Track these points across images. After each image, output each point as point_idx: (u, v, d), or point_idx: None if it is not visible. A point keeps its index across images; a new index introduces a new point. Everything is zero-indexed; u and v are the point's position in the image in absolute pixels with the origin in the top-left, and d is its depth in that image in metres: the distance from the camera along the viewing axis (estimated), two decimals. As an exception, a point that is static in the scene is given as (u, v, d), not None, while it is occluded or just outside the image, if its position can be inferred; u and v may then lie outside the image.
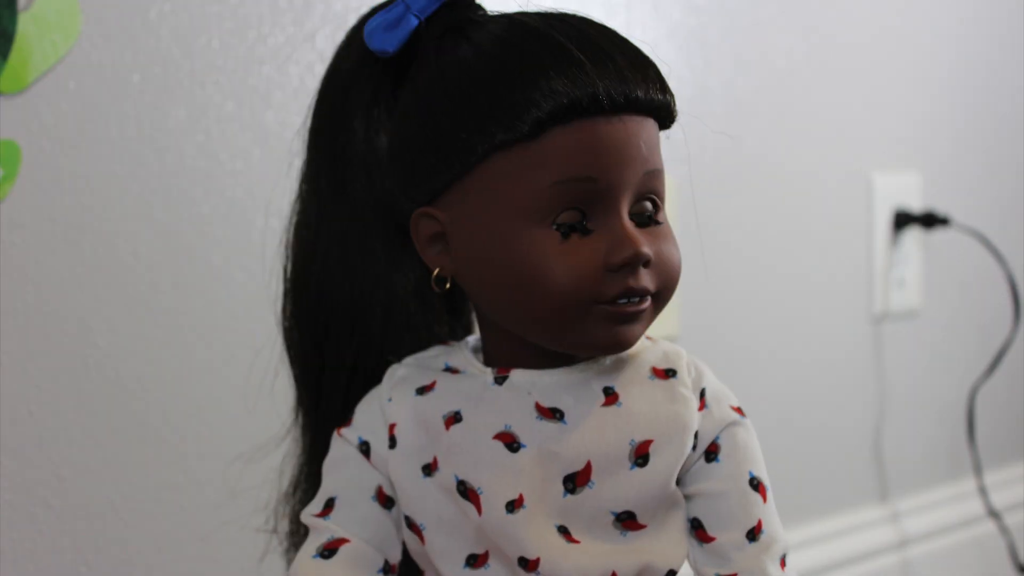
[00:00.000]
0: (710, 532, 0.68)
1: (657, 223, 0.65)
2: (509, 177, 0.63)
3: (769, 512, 0.69)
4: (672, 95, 0.66)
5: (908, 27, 1.48)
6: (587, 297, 0.63)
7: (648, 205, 0.65)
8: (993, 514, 1.50)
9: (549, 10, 0.67)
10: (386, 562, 0.70)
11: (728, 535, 0.67)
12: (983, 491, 1.50)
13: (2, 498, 0.85)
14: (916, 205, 1.48)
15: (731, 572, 0.67)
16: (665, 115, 0.66)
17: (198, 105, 0.92)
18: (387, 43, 0.68)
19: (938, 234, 1.50)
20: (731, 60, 1.28)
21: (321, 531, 0.69)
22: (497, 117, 0.62)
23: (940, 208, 1.48)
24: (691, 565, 0.69)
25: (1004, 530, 1.50)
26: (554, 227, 0.63)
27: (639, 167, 0.64)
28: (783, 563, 0.68)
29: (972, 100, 1.56)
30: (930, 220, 1.47)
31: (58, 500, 0.88)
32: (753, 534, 0.67)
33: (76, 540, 0.88)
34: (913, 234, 1.48)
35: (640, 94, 0.63)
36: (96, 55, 0.88)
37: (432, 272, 0.68)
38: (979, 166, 1.57)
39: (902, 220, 1.46)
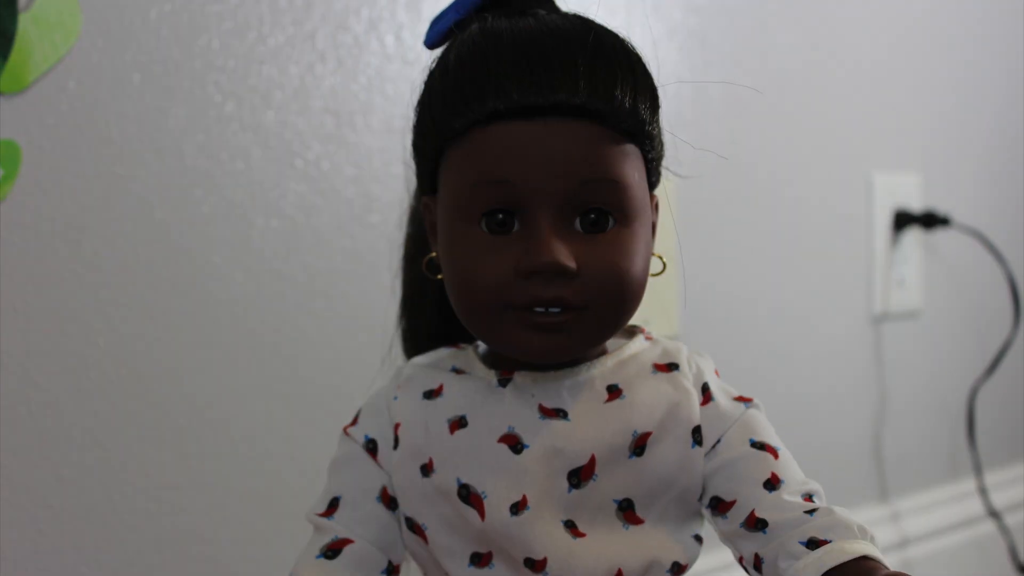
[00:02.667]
0: (727, 498, 0.66)
1: (603, 232, 0.63)
2: (448, 175, 0.65)
3: (784, 466, 0.66)
4: (638, 103, 0.63)
5: (908, 27, 1.48)
6: (500, 301, 0.63)
7: (592, 215, 0.63)
8: (993, 514, 1.50)
9: (532, 11, 0.66)
10: (389, 563, 0.70)
11: (744, 492, 0.65)
12: (983, 491, 1.50)
13: (2, 498, 0.85)
14: (916, 205, 1.48)
15: (747, 512, 0.65)
16: (615, 121, 0.62)
17: (198, 105, 0.92)
18: (428, 37, 0.70)
19: (938, 234, 1.50)
20: (731, 60, 1.28)
21: (325, 531, 0.69)
22: (439, 118, 0.64)
23: (940, 208, 1.49)
24: (721, 539, 0.67)
25: (1004, 530, 1.50)
26: (483, 227, 0.63)
27: (567, 174, 0.62)
28: (809, 497, 0.65)
29: (972, 100, 1.56)
30: (930, 220, 1.47)
31: (58, 500, 0.88)
32: (771, 484, 0.65)
33: (76, 540, 0.88)
34: (913, 234, 1.48)
35: (567, 98, 0.61)
36: (96, 55, 0.88)
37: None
38: (979, 166, 1.57)
39: (902, 220, 1.46)
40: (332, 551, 0.68)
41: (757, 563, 0.64)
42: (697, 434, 0.66)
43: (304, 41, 0.97)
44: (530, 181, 0.62)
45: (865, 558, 0.59)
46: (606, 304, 0.63)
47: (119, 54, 0.89)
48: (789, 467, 0.67)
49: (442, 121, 0.64)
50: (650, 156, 0.66)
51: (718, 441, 0.67)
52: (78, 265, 0.88)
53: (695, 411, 0.67)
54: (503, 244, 0.63)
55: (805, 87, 1.36)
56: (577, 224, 0.63)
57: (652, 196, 0.69)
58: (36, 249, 0.86)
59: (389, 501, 0.70)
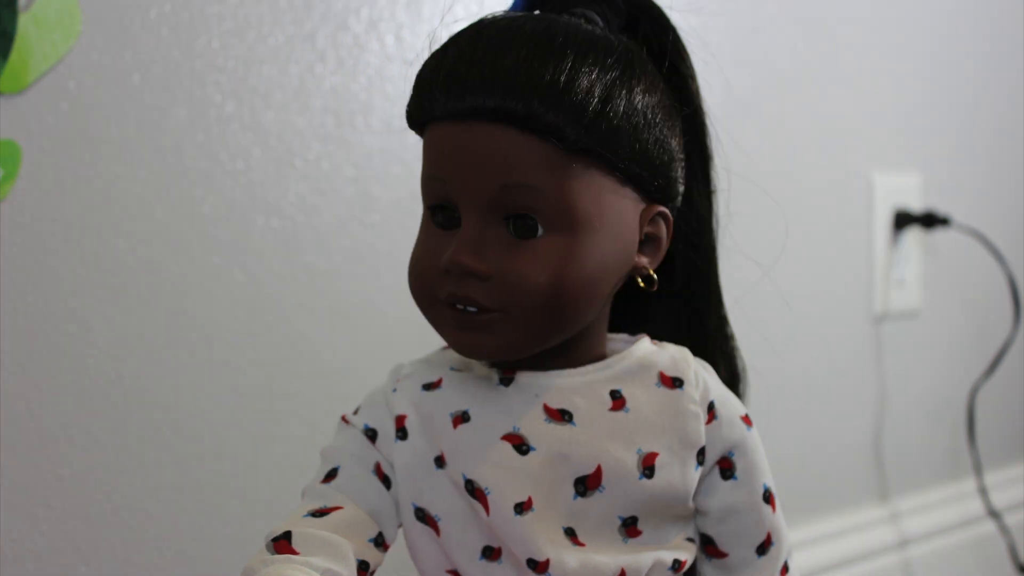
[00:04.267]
0: (722, 548, 0.70)
1: (532, 238, 0.63)
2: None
3: (777, 520, 0.70)
4: (569, 112, 0.61)
5: (908, 27, 1.48)
6: (429, 292, 0.65)
7: (518, 220, 0.63)
8: (993, 514, 1.50)
9: (502, 15, 0.67)
10: (380, 535, 0.68)
11: (739, 552, 0.70)
12: (983, 491, 1.50)
13: (2, 498, 0.85)
14: (916, 205, 1.48)
15: None
16: (536, 127, 0.61)
17: (198, 105, 0.92)
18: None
19: (938, 234, 1.50)
20: (731, 60, 1.28)
21: (316, 497, 0.68)
22: (408, 112, 0.67)
23: (940, 208, 1.48)
24: (699, 567, 0.70)
25: (1004, 530, 1.50)
26: (434, 219, 0.66)
27: (488, 177, 0.62)
28: (785, 569, 0.70)
29: (972, 100, 1.56)
30: (930, 220, 1.47)
31: (58, 500, 0.88)
32: (763, 548, 0.69)
33: (76, 540, 0.88)
34: (913, 234, 1.48)
35: (484, 102, 0.61)
36: (96, 55, 0.88)
37: None
38: (979, 166, 1.57)
39: (902, 220, 1.46)
40: (320, 513, 0.66)
41: None
42: (701, 455, 0.67)
43: (304, 41, 0.97)
44: (457, 181, 0.63)
45: None
46: (522, 310, 0.63)
47: (119, 54, 0.89)
48: (779, 521, 0.71)
49: (408, 116, 0.67)
50: (623, 167, 0.64)
51: (731, 472, 0.68)
52: (78, 265, 0.88)
53: (700, 433, 0.67)
54: (445, 239, 0.65)
55: (805, 87, 1.36)
56: (510, 227, 0.63)
57: (649, 209, 0.67)
58: (36, 249, 0.86)
59: (383, 478, 0.69)
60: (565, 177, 0.62)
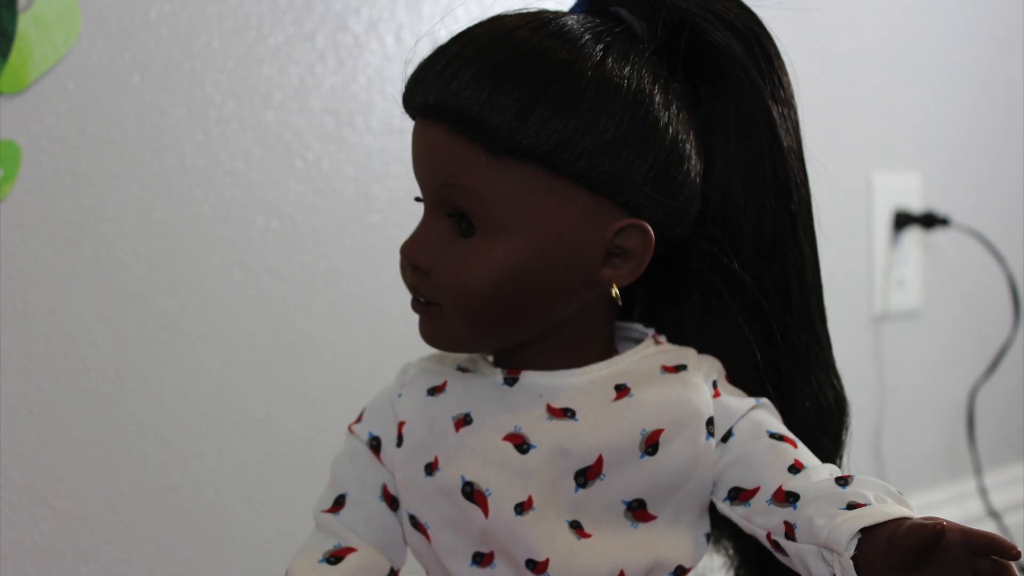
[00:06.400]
0: (749, 487, 0.65)
1: (465, 237, 0.64)
2: None
3: (806, 454, 0.66)
4: (496, 115, 0.61)
5: (908, 27, 1.48)
6: (404, 278, 0.67)
7: (457, 218, 0.64)
8: (993, 514, 1.50)
9: (496, 16, 0.67)
10: (391, 570, 0.70)
11: (767, 478, 0.64)
12: (983, 491, 1.50)
13: (2, 498, 0.85)
14: (916, 205, 1.48)
15: (774, 490, 0.63)
16: (464, 128, 0.61)
17: (198, 105, 0.92)
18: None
19: (938, 234, 1.50)
20: (731, 60, 1.28)
21: (329, 533, 0.69)
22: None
23: (940, 208, 1.49)
24: (748, 529, 0.66)
25: (1004, 530, 1.50)
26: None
27: (433, 175, 0.64)
28: (843, 480, 0.62)
29: (972, 100, 1.56)
30: (930, 220, 1.47)
31: (58, 500, 0.88)
32: (795, 469, 0.64)
33: (76, 540, 0.88)
34: (913, 234, 1.48)
35: (426, 99, 0.63)
36: (96, 55, 0.88)
37: None
38: (979, 166, 1.57)
39: (902, 220, 1.46)
40: (335, 558, 0.68)
41: (788, 530, 0.62)
42: (711, 425, 0.66)
43: (304, 41, 0.97)
44: (417, 176, 0.66)
45: (905, 519, 0.57)
46: (452, 307, 0.65)
47: (119, 54, 0.89)
48: (810, 455, 0.66)
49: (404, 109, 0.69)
50: (567, 174, 0.62)
51: (730, 434, 0.67)
52: (78, 265, 0.88)
53: (707, 403, 0.66)
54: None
55: (804, 87, 1.36)
56: (458, 224, 0.64)
57: (619, 220, 0.64)
58: (36, 249, 0.86)
59: (391, 500, 0.70)
60: (495, 179, 0.63)
